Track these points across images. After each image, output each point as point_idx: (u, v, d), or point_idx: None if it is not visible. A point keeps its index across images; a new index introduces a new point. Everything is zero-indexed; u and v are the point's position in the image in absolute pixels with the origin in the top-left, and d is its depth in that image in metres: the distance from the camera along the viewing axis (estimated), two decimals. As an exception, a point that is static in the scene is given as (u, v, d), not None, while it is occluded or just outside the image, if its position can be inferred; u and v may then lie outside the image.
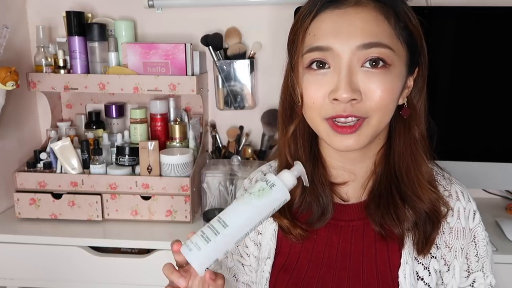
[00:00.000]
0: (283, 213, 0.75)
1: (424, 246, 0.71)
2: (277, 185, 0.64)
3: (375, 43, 0.63)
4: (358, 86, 0.64)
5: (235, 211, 0.63)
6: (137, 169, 1.35)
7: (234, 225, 0.62)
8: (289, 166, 0.76)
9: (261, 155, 1.50)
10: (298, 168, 0.67)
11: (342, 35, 0.64)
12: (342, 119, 0.65)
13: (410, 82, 0.71)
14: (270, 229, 0.78)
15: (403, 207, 0.71)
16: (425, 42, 0.71)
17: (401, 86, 0.68)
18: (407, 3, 0.69)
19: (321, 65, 0.66)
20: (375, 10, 0.65)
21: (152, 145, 1.31)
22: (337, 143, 0.67)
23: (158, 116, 1.42)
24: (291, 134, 0.75)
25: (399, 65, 0.66)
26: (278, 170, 0.80)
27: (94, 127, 1.47)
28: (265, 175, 0.70)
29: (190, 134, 1.41)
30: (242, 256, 0.84)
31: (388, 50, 0.64)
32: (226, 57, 1.46)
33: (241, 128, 1.53)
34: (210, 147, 1.55)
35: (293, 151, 0.76)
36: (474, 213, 0.75)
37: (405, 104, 0.72)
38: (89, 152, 1.35)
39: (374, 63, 0.64)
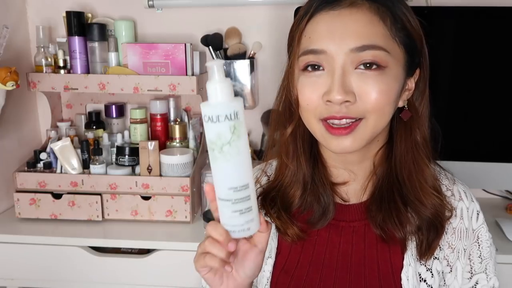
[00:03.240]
0: (277, 213, 0.74)
1: (426, 251, 0.70)
2: (239, 113, 0.53)
3: (369, 45, 0.63)
4: (351, 88, 0.64)
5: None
6: (137, 169, 1.35)
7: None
8: (288, 167, 0.76)
9: (261, 155, 1.50)
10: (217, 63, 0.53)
11: (335, 37, 0.64)
12: (336, 121, 0.65)
13: (411, 84, 0.71)
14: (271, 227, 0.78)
15: (405, 212, 0.70)
16: (426, 43, 0.70)
17: (398, 88, 0.67)
18: (407, 4, 0.68)
19: (315, 67, 0.66)
20: (370, 11, 0.64)
21: (152, 145, 1.31)
22: (332, 145, 0.67)
23: (158, 116, 1.42)
24: (290, 135, 0.75)
25: (395, 67, 0.65)
26: (278, 170, 0.79)
27: (94, 127, 1.47)
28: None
29: (190, 134, 1.41)
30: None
31: (382, 52, 0.63)
32: (226, 57, 1.46)
33: (241, 128, 1.52)
34: (210, 147, 1.55)
35: (292, 151, 0.76)
36: (478, 214, 0.74)
37: (406, 106, 0.71)
38: (89, 152, 1.34)
39: (368, 65, 0.64)
